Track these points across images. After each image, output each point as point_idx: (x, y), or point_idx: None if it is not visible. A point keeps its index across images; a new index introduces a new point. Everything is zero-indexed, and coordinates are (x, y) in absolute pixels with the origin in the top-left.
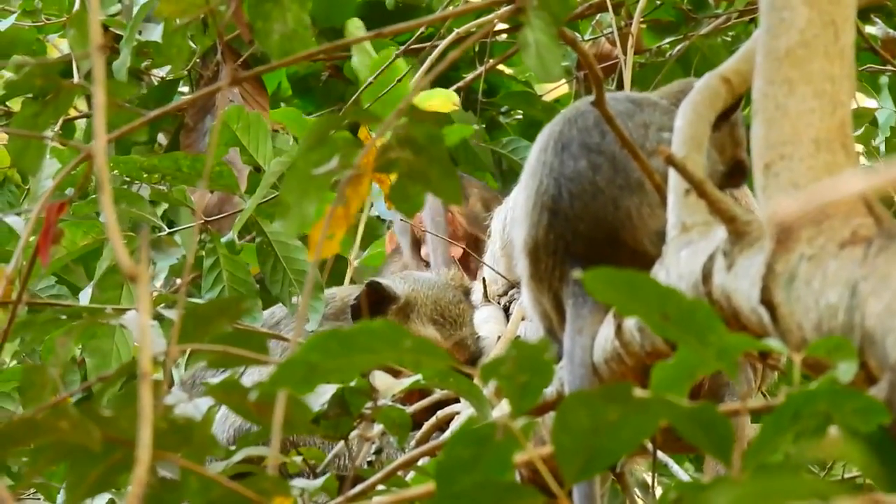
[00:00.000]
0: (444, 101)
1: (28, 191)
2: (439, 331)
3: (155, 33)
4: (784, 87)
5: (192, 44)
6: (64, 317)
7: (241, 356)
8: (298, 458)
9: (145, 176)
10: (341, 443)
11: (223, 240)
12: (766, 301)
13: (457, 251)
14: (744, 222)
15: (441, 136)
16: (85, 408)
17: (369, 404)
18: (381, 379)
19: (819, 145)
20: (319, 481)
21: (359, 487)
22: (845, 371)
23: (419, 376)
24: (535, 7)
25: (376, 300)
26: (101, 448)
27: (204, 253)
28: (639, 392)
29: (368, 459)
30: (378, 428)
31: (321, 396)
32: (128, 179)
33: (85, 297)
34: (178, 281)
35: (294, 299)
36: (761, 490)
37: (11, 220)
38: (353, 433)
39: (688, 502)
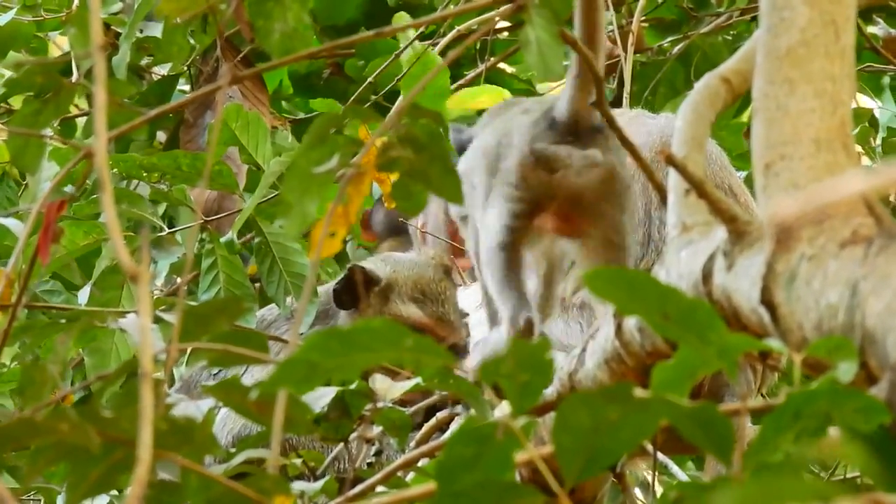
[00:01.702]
0: (494, 97)
1: (26, 187)
2: (420, 308)
3: (156, 31)
4: (785, 86)
5: (191, 41)
6: (63, 321)
7: (241, 355)
8: (298, 461)
9: (144, 174)
10: (341, 445)
11: (222, 240)
12: (767, 301)
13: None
14: (744, 222)
15: (442, 134)
16: (84, 408)
17: (369, 406)
18: (381, 382)
19: (819, 145)
20: (319, 483)
21: (358, 488)
22: (846, 371)
23: (419, 379)
24: (536, 5)
25: (356, 283)
26: (102, 448)
27: (203, 253)
28: (639, 392)
29: (368, 461)
30: (378, 429)
31: (321, 399)
32: (126, 178)
33: (83, 297)
34: (179, 280)
35: (288, 300)
36: (763, 491)
37: (6, 221)
38: (353, 435)
39: (689, 502)
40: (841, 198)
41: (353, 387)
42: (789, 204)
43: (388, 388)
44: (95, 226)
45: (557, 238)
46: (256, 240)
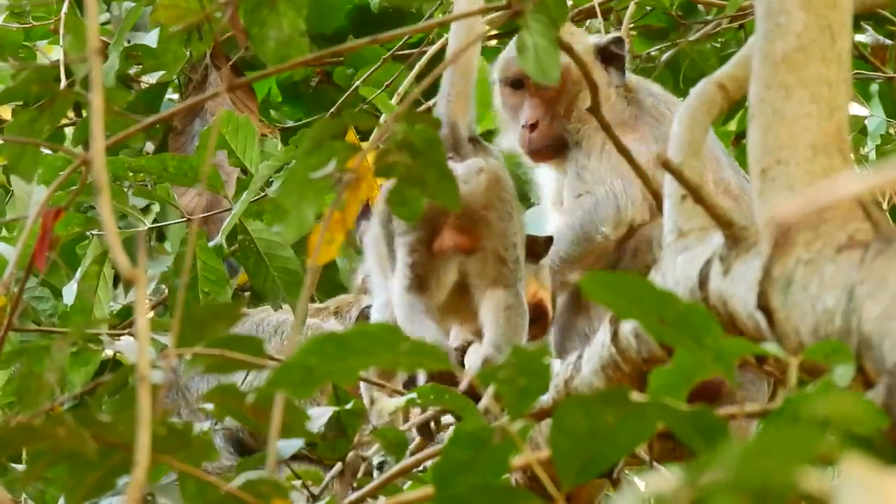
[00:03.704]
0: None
1: (12, 194)
2: None
3: (144, 40)
4: (781, 91)
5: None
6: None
7: (237, 361)
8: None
9: (132, 175)
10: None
11: (210, 244)
12: (763, 306)
13: None
14: (740, 227)
15: (438, 139)
16: (81, 413)
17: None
18: (380, 400)
19: (816, 150)
20: None
21: (354, 495)
22: (842, 375)
23: (413, 395)
24: (532, 10)
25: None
26: (99, 452)
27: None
28: (637, 396)
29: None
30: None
31: (318, 419)
32: (115, 180)
33: (68, 296)
34: (166, 290)
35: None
36: (768, 446)
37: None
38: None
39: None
40: (837, 201)
41: (348, 406)
42: (787, 205)
43: (382, 406)
44: (76, 217)
45: (458, 257)
46: (240, 237)
